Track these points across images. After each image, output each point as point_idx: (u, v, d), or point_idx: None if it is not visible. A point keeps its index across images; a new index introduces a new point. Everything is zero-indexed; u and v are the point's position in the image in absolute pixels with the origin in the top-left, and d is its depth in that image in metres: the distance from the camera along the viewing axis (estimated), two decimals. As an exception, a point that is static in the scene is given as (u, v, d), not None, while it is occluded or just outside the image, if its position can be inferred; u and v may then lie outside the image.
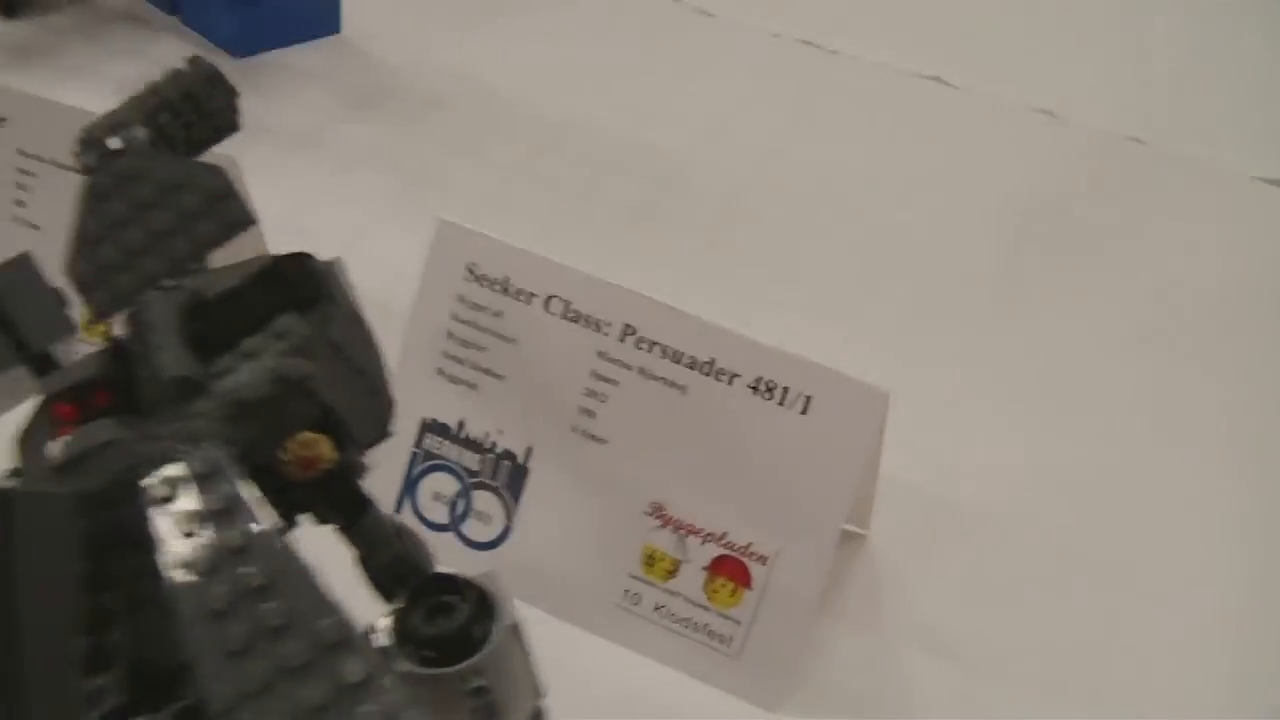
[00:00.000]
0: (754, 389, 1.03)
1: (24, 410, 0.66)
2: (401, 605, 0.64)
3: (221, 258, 0.68)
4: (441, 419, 1.10)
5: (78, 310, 0.69)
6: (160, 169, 0.66)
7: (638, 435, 1.06)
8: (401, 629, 0.63)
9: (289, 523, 0.62)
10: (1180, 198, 1.79)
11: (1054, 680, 1.10)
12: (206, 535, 0.49)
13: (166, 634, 0.48)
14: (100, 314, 0.65)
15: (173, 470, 0.52)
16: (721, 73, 2.00)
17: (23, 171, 1.21)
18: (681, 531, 1.06)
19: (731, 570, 1.05)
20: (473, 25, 2.03)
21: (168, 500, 0.51)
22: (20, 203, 1.21)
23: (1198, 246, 1.68)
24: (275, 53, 1.88)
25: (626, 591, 1.08)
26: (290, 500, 0.61)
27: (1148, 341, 1.51)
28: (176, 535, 0.50)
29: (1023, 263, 1.61)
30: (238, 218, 0.65)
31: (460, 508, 1.11)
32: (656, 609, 1.08)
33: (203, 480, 0.51)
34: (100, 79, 1.76)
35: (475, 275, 1.08)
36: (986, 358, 1.45)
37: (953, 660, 1.11)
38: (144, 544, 0.52)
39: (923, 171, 1.77)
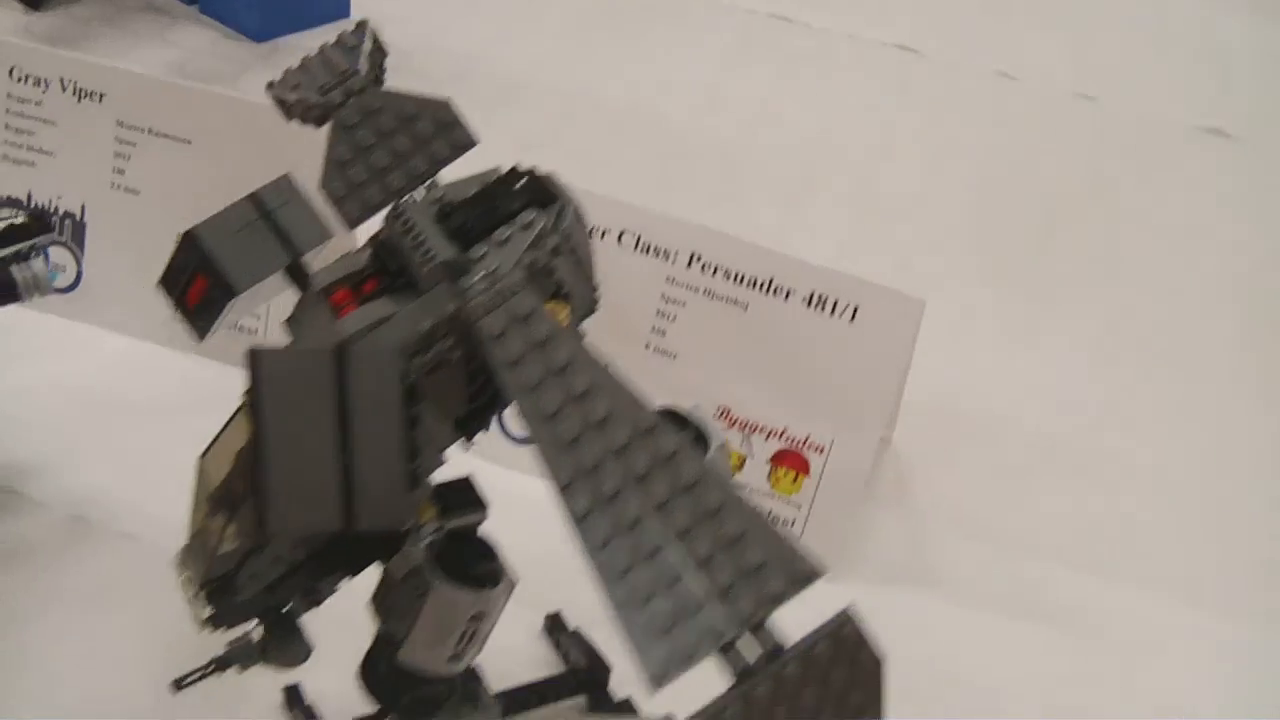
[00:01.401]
0: (808, 302, 1.19)
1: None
2: None
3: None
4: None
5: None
6: (396, 103, 0.80)
7: (704, 349, 1.22)
8: None
9: None
10: (1129, 148, 1.98)
11: (1071, 549, 1.28)
12: (536, 359, 0.65)
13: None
14: (350, 222, 0.79)
15: (498, 314, 0.68)
16: (710, 46, 2.16)
17: (121, 141, 1.32)
18: (746, 430, 1.22)
19: (791, 461, 1.22)
20: (476, 9, 2.17)
21: (501, 336, 0.67)
22: (119, 170, 1.33)
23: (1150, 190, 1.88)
24: (291, 36, 2.03)
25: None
26: None
27: (1139, 277, 1.70)
28: (509, 362, 0.66)
29: (988, 203, 1.80)
30: (463, 140, 0.80)
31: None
32: None
33: (525, 317, 0.67)
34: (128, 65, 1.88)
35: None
36: (977, 283, 1.63)
37: (978, 536, 1.28)
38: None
39: (901, 130, 1.95)
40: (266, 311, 1.33)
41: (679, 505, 0.63)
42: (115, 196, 1.32)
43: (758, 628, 0.62)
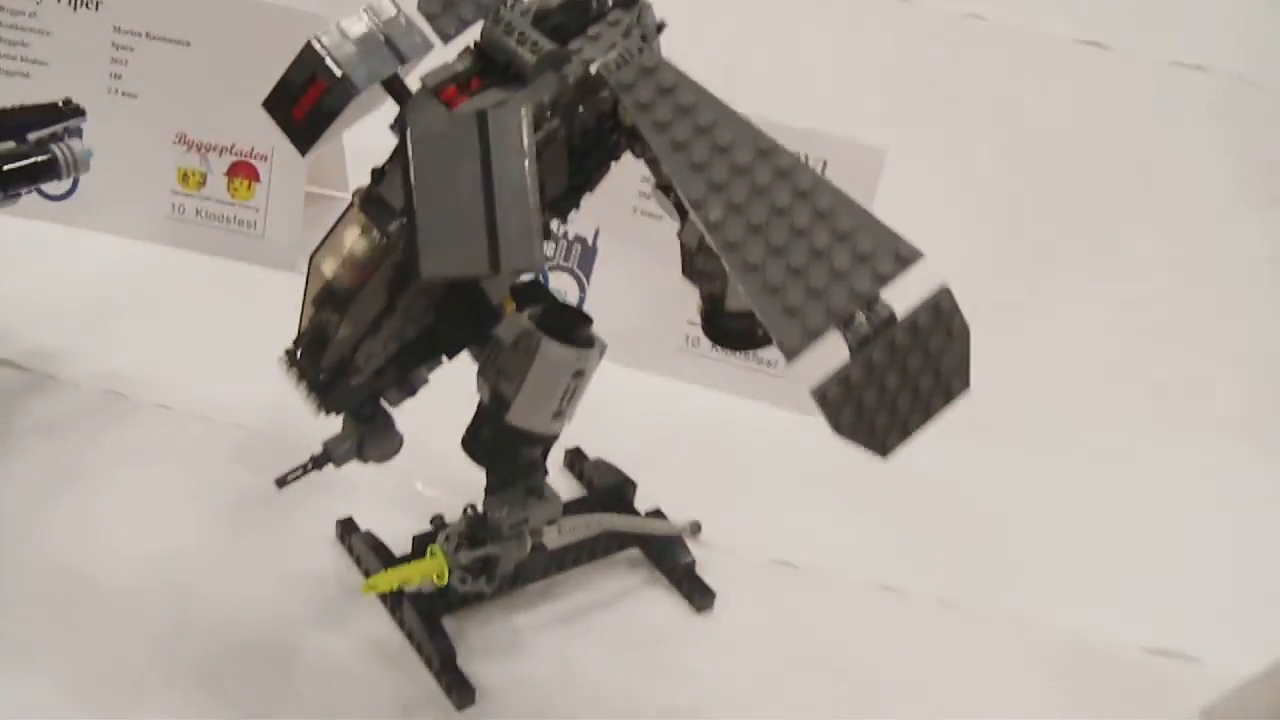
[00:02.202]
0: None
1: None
2: None
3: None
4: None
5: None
6: None
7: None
8: None
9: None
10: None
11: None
12: (666, 102, 0.77)
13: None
14: (445, 37, 0.88)
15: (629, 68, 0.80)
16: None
17: (118, 47, 1.37)
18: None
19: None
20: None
21: (630, 87, 0.78)
22: (116, 75, 1.38)
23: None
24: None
25: (686, 337, 1.36)
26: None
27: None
28: (639, 104, 0.77)
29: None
30: None
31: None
32: (714, 347, 1.35)
33: (651, 69, 0.78)
34: None
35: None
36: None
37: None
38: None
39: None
40: (265, 205, 1.40)
41: (798, 209, 0.74)
42: (113, 101, 1.38)
43: (871, 305, 0.73)
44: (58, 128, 1.15)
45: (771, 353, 1.33)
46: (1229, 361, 1.52)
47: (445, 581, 1.00)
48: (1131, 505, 1.31)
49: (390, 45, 0.86)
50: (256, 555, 1.10)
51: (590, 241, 1.35)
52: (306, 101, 0.86)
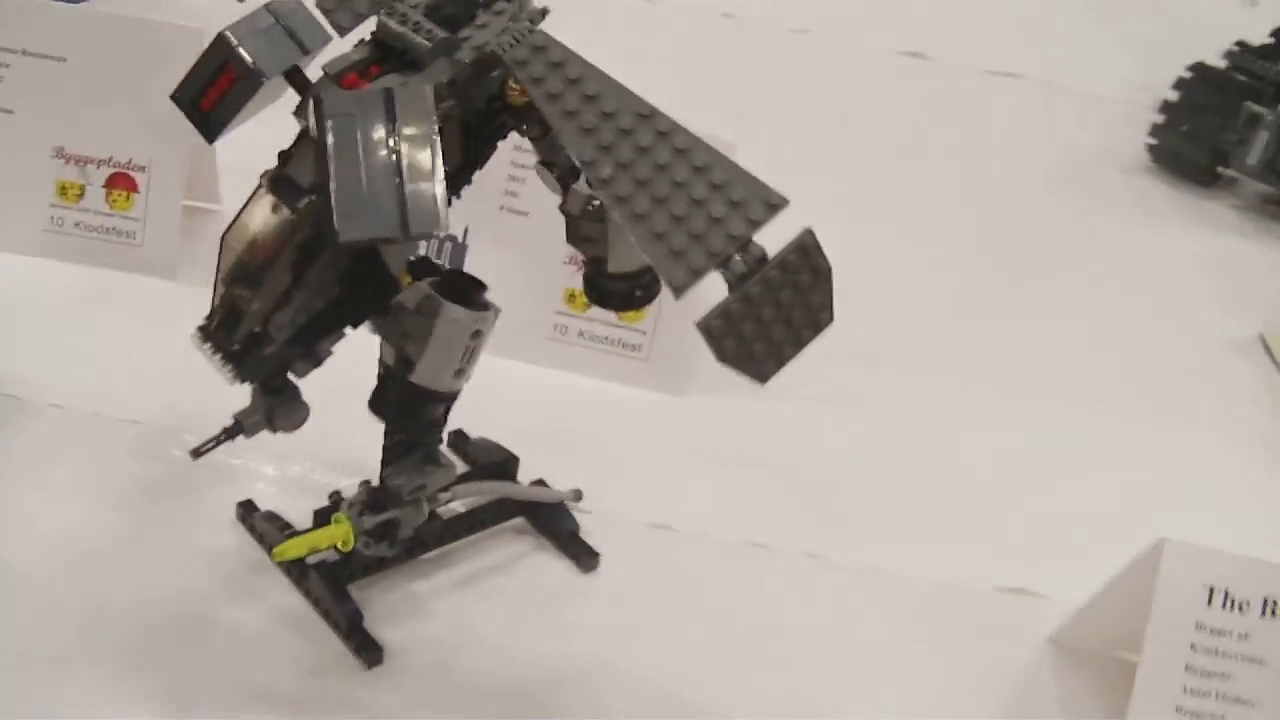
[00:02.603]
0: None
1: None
2: None
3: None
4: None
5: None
6: None
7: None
8: None
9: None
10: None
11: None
12: (556, 77, 0.85)
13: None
14: (341, 31, 0.95)
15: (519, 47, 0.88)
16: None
17: (-10, 64, 1.40)
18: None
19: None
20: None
21: (524, 64, 0.87)
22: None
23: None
24: None
25: (554, 325, 1.43)
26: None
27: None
28: (534, 78, 0.86)
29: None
30: None
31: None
32: (580, 334, 1.43)
33: (540, 50, 0.87)
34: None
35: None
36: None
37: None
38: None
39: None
40: (144, 215, 1.44)
41: (677, 164, 0.83)
42: (-12, 118, 1.41)
43: (744, 247, 0.82)
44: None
45: (636, 337, 1.43)
46: (1059, 331, 1.66)
47: (350, 546, 1.06)
48: (973, 464, 1.42)
49: (293, 37, 0.93)
50: (162, 539, 1.14)
51: (460, 239, 1.42)
52: (215, 92, 0.92)
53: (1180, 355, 1.66)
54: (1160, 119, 2.02)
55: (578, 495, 1.22)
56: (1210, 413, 1.58)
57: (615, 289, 1.00)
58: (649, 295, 1.01)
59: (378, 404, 1.01)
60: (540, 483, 1.24)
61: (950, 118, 2.14)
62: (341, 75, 0.92)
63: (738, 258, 0.82)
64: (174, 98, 0.94)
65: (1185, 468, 1.47)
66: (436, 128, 0.85)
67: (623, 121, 0.84)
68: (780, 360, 0.85)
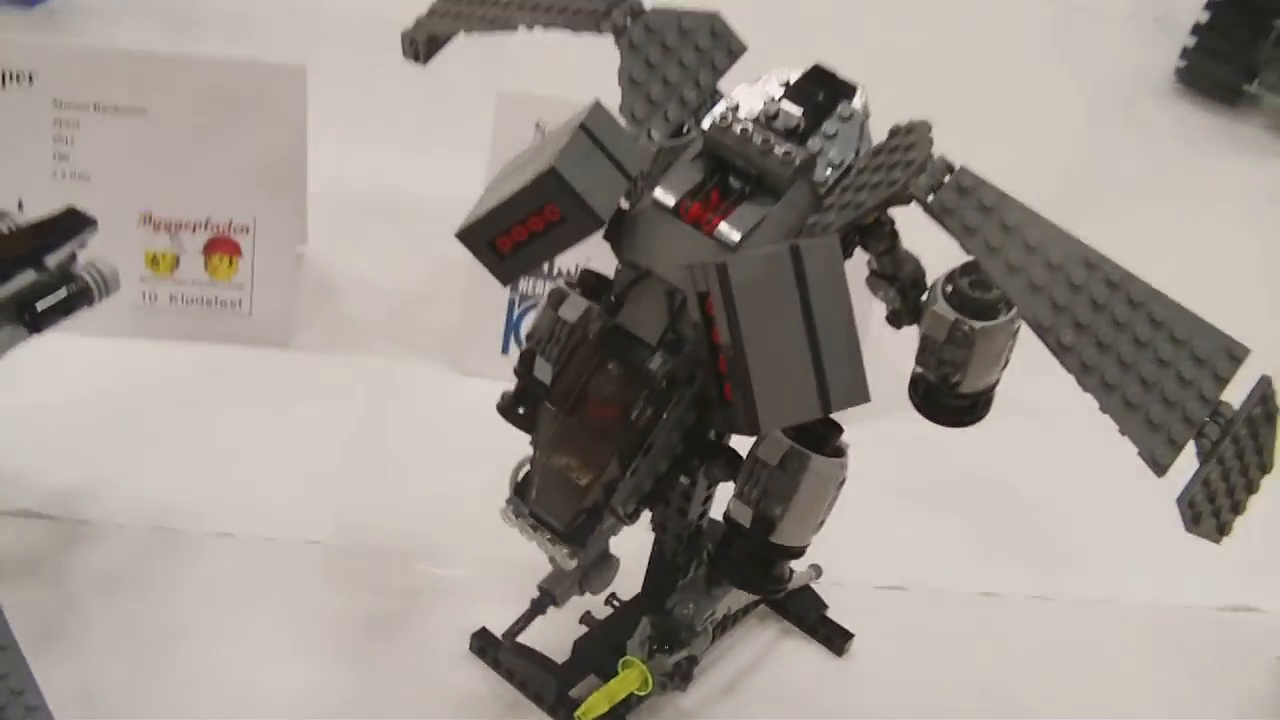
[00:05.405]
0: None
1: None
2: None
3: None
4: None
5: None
6: (672, 20, 0.83)
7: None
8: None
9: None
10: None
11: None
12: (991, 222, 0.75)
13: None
14: (653, 143, 0.82)
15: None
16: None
17: (60, 123, 1.20)
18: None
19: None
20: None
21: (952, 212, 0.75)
22: (62, 156, 1.21)
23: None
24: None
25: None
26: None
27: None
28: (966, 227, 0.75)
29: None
30: (736, 48, 0.85)
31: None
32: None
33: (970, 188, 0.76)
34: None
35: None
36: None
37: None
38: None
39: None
40: (250, 280, 1.26)
41: (1137, 321, 0.74)
42: (60, 185, 1.21)
43: (1217, 408, 0.74)
44: (73, 245, 1.00)
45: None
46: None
47: (649, 690, 0.96)
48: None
49: (615, 163, 0.79)
50: (394, 681, 1.02)
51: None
52: (522, 231, 0.78)
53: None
54: (1191, 41, 1.99)
55: (818, 572, 1.14)
56: None
57: (960, 406, 0.91)
58: (987, 410, 0.92)
59: (724, 566, 0.90)
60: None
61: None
62: (682, 204, 0.80)
63: (1210, 422, 0.75)
64: (462, 236, 0.80)
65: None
66: (848, 287, 0.75)
67: (1073, 274, 0.74)
68: (1236, 512, 0.78)
